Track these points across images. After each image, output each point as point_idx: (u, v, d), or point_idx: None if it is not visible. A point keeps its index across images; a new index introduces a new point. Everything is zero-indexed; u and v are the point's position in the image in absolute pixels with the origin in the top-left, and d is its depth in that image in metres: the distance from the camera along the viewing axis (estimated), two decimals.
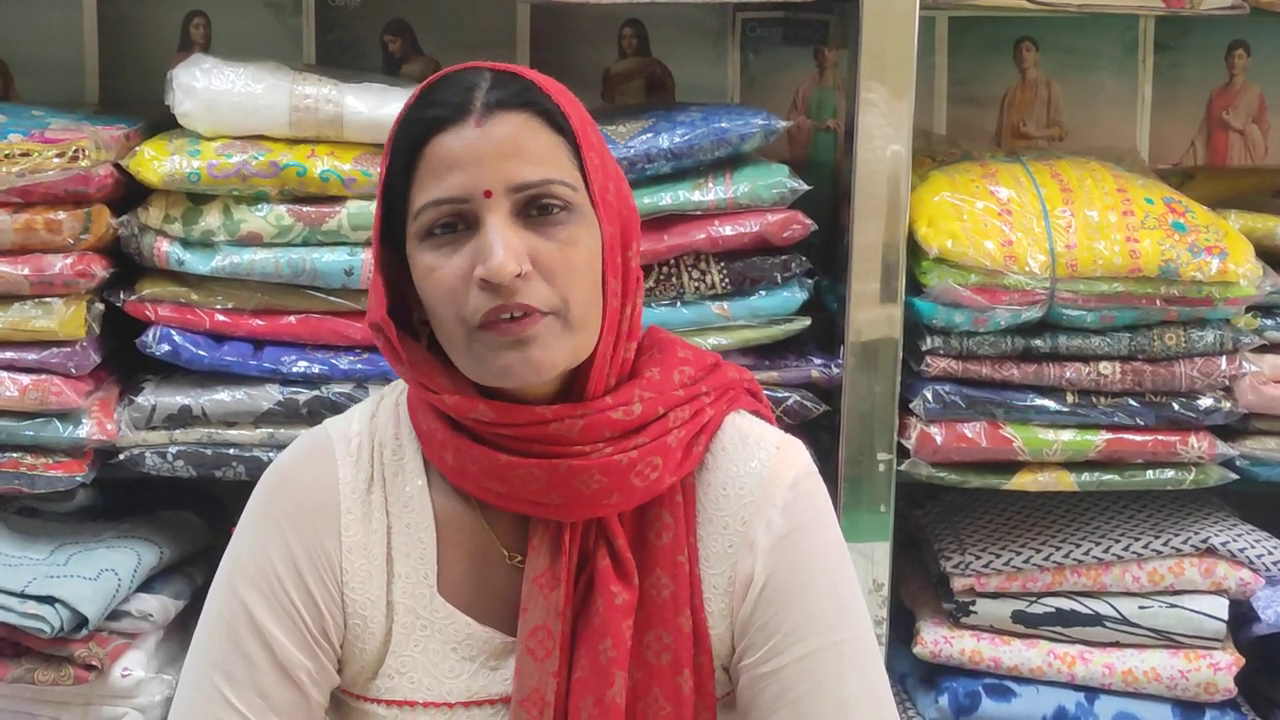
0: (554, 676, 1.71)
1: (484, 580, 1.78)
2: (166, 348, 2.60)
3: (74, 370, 2.56)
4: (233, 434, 2.62)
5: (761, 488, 1.76)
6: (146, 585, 2.65)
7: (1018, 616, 2.73)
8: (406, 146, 1.68)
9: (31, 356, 2.55)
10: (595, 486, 1.69)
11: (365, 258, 2.59)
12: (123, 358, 2.70)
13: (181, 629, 2.74)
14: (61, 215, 2.53)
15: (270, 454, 2.58)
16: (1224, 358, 2.64)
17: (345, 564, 1.77)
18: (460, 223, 1.65)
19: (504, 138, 1.64)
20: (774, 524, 1.75)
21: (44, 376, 2.55)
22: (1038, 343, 2.63)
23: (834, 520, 1.80)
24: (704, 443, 1.77)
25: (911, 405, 2.65)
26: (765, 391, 2.55)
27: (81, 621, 2.52)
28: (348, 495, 1.78)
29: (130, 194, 2.61)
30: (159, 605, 2.64)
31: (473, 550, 1.78)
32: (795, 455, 1.80)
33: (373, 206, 2.52)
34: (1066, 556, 2.72)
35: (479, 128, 1.64)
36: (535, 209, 1.65)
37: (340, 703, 1.84)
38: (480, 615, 1.77)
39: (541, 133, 1.66)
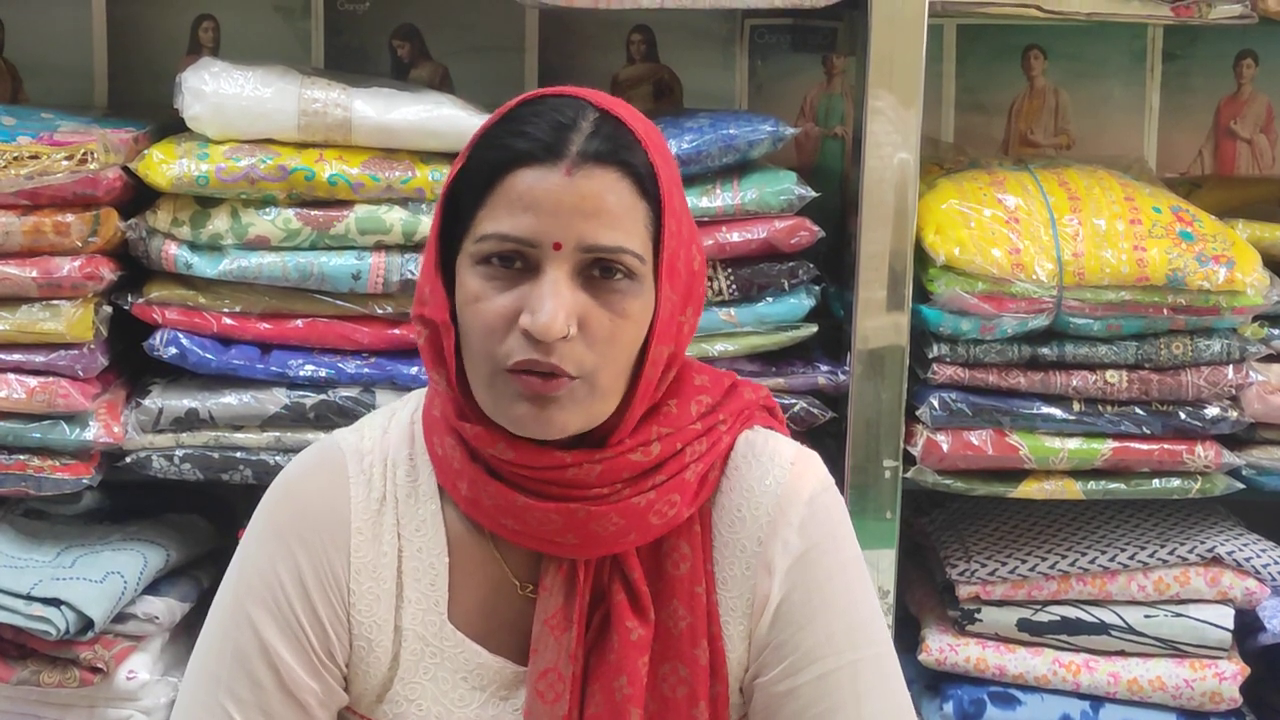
0: (564, 719, 1.69)
1: (495, 610, 1.75)
2: (174, 351, 2.60)
3: (81, 373, 2.56)
4: (240, 437, 2.62)
5: (777, 506, 1.73)
6: (153, 588, 2.65)
7: (1023, 624, 2.73)
8: (486, 167, 1.62)
9: (39, 359, 2.55)
10: (612, 529, 1.67)
11: (373, 261, 2.59)
12: (130, 360, 2.70)
13: (187, 632, 2.74)
14: (70, 218, 2.53)
15: (277, 457, 2.59)
16: (1231, 367, 2.64)
17: (353, 584, 1.73)
18: (520, 261, 1.60)
19: (589, 194, 1.58)
20: (790, 543, 1.72)
21: (51, 379, 2.56)
22: (1044, 351, 2.63)
23: (851, 534, 1.77)
24: (719, 468, 1.75)
25: (918, 412, 2.65)
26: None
27: (87, 624, 2.52)
28: (359, 514, 1.74)
29: (139, 197, 2.62)
30: (165, 608, 2.64)
31: (484, 579, 1.75)
32: (810, 470, 1.77)
33: (380, 211, 2.56)
34: (1072, 565, 2.72)
35: (568, 177, 1.58)
36: (599, 270, 1.60)
37: None
38: (491, 645, 1.75)
39: (627, 196, 1.60)
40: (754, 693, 1.74)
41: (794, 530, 1.73)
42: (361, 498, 1.74)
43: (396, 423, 1.80)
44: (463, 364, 1.66)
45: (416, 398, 1.82)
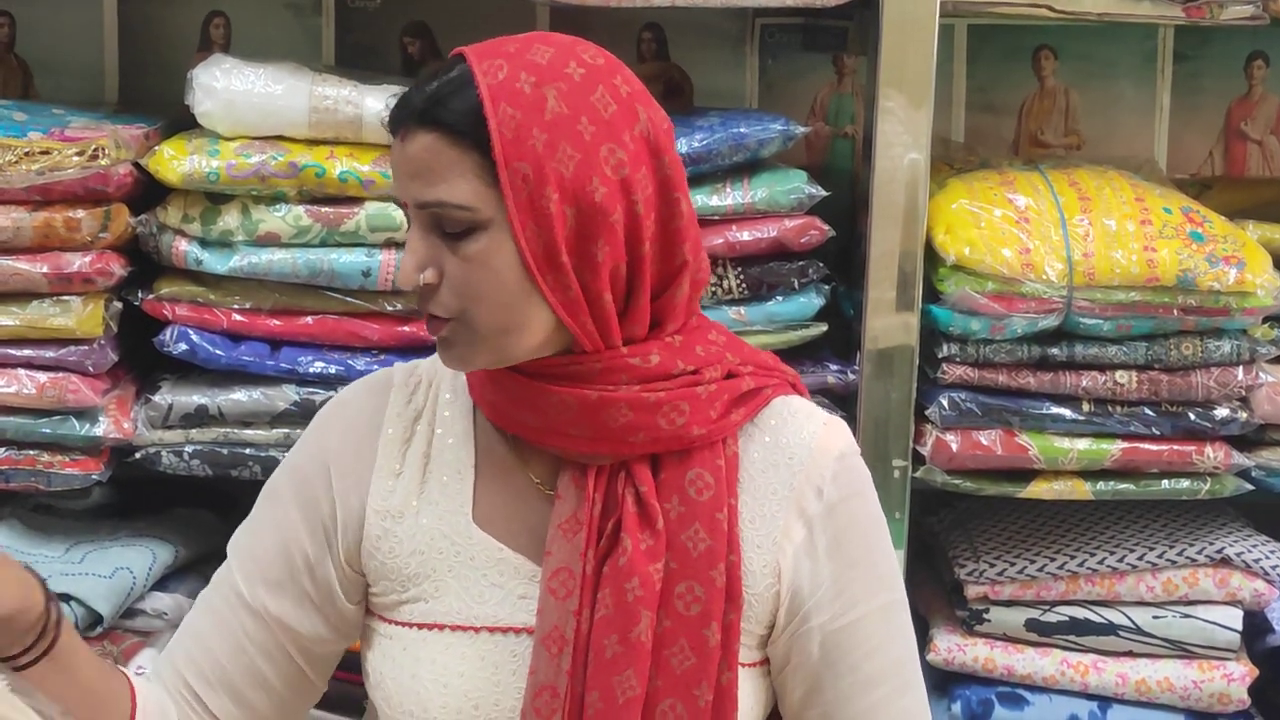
0: (574, 615, 1.74)
1: (517, 512, 1.83)
2: (184, 347, 2.60)
3: (91, 368, 2.56)
4: (249, 434, 2.63)
5: (811, 457, 1.81)
6: (161, 584, 2.66)
7: (1031, 625, 2.73)
8: None
9: (49, 354, 2.56)
10: (623, 420, 1.74)
11: (383, 259, 2.59)
12: (140, 356, 2.70)
13: None
14: (80, 214, 2.53)
15: (286, 454, 2.59)
16: (1240, 368, 2.64)
17: (374, 479, 1.85)
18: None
19: (412, 156, 1.70)
20: (825, 492, 1.80)
21: (61, 374, 2.56)
22: (1054, 351, 2.62)
23: (875, 495, 1.87)
24: (746, 412, 1.81)
25: (927, 412, 2.65)
26: None
27: (96, 619, 2.52)
28: (392, 419, 1.87)
29: (149, 193, 2.62)
30: (174, 604, 2.64)
31: (509, 484, 1.84)
32: (842, 431, 1.86)
33: (391, 208, 2.59)
34: (1081, 565, 2.72)
35: (402, 143, 1.72)
36: (440, 223, 1.71)
37: (370, 627, 1.89)
38: (513, 543, 1.82)
39: (445, 152, 1.68)
40: (778, 638, 1.82)
41: (827, 480, 1.81)
42: (399, 405, 1.88)
43: None
44: None
45: None
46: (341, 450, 1.87)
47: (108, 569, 2.58)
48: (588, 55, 1.75)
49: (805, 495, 1.80)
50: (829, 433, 1.84)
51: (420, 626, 1.83)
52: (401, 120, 1.71)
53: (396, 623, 1.85)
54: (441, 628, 1.82)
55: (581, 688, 1.74)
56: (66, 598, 2.51)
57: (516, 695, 1.77)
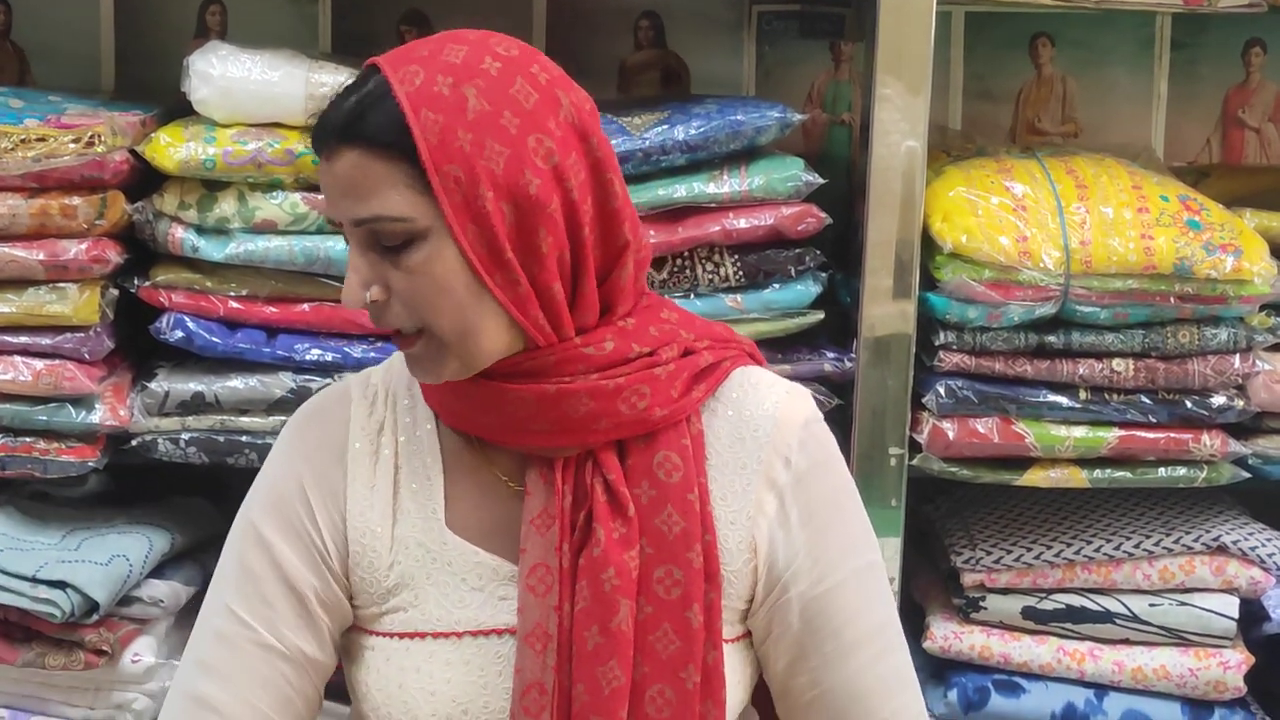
0: (555, 610, 1.74)
1: (489, 512, 1.83)
2: (180, 334, 2.60)
3: (87, 356, 2.56)
4: (245, 421, 2.62)
5: (776, 428, 1.81)
6: (158, 571, 2.65)
7: (1028, 613, 2.73)
8: None
9: (45, 341, 2.56)
10: (584, 410, 1.74)
11: None
12: (136, 344, 2.70)
13: (192, 615, 2.72)
14: (77, 200, 2.53)
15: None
16: (1237, 356, 2.64)
17: (349, 493, 1.83)
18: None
19: (339, 175, 1.68)
20: (793, 461, 1.80)
21: (57, 361, 2.56)
22: (1051, 339, 2.62)
23: (843, 460, 1.87)
24: (706, 388, 1.81)
25: (924, 400, 2.65)
26: None
27: (92, 607, 2.52)
28: (357, 432, 1.85)
29: (145, 180, 2.61)
30: (170, 591, 2.64)
31: (477, 484, 1.84)
32: (805, 399, 1.86)
33: None
34: (1077, 553, 2.72)
35: (328, 163, 1.70)
36: (379, 239, 1.69)
37: (350, 640, 1.88)
38: (488, 546, 1.81)
39: (371, 166, 1.67)
40: (757, 610, 1.82)
41: (794, 449, 1.81)
42: (362, 418, 1.86)
43: (398, 358, 1.88)
44: None
45: None
46: (314, 472, 1.85)
47: (104, 556, 2.58)
48: (501, 48, 1.73)
49: (774, 466, 1.81)
50: (791, 402, 1.84)
51: (402, 636, 1.82)
52: (325, 140, 1.69)
53: (379, 634, 1.84)
54: (424, 636, 1.81)
55: (568, 681, 1.74)
56: (63, 585, 2.51)
57: (505, 696, 1.77)
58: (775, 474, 1.81)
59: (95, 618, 2.53)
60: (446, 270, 1.68)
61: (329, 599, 1.84)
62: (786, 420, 1.82)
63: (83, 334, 2.56)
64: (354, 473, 1.84)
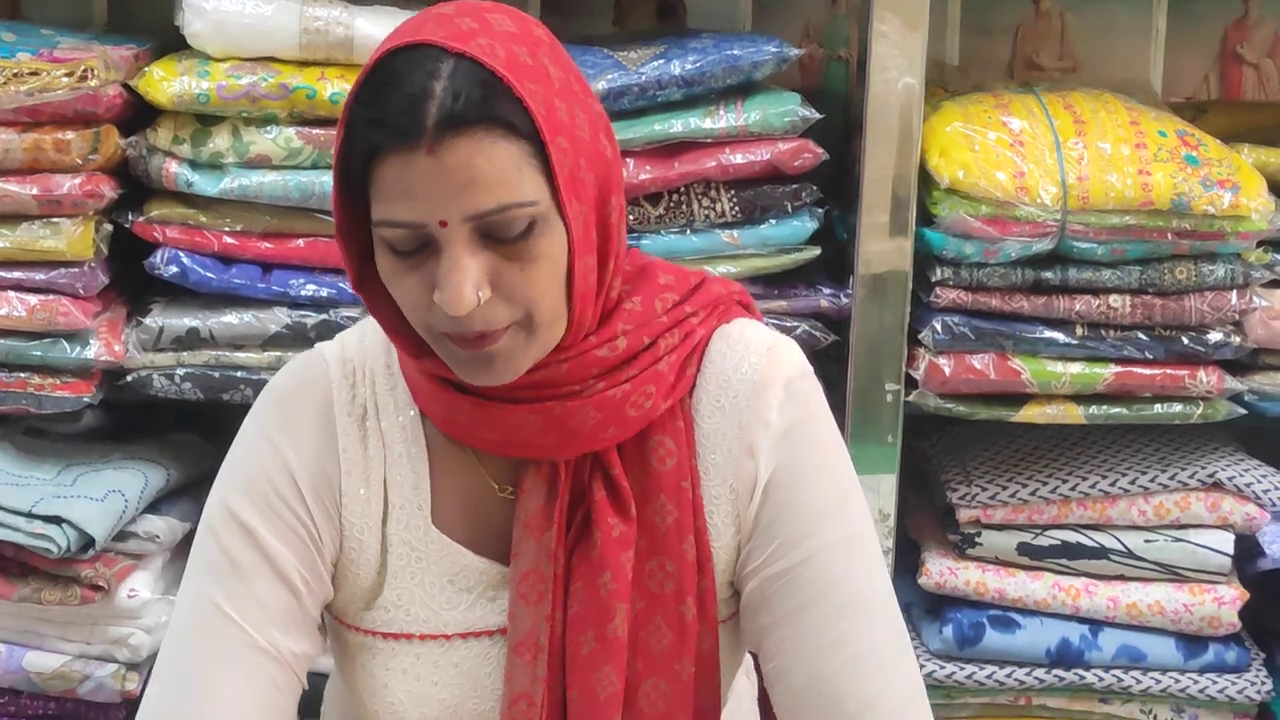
0: (547, 620, 1.67)
1: (478, 513, 1.74)
2: (174, 269, 2.59)
3: (82, 291, 2.56)
4: (240, 357, 2.62)
5: (755, 391, 1.71)
6: (153, 507, 2.66)
7: (1023, 549, 2.73)
8: (357, 156, 1.53)
9: (39, 276, 2.55)
10: (591, 423, 1.65)
11: None
12: (131, 279, 2.69)
13: (187, 551, 2.73)
14: (70, 135, 2.52)
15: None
16: (1234, 292, 2.64)
17: (345, 486, 1.72)
18: (419, 239, 1.54)
19: (456, 167, 1.49)
20: (771, 424, 1.70)
21: (52, 297, 2.55)
22: (1048, 275, 2.62)
23: (830, 419, 1.75)
24: (696, 363, 1.72)
25: (920, 336, 2.64)
26: (774, 321, 2.57)
27: (88, 542, 2.52)
28: (343, 419, 1.73)
29: (139, 114, 2.60)
30: (166, 527, 2.64)
31: (465, 484, 1.74)
32: (786, 356, 1.74)
33: None
34: (1073, 489, 2.72)
35: (431, 156, 1.49)
36: (496, 231, 1.52)
37: (335, 632, 1.81)
38: (476, 547, 1.74)
39: (499, 147, 1.50)
40: (745, 581, 1.73)
41: (773, 411, 1.70)
42: (345, 403, 1.73)
43: (372, 332, 1.77)
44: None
45: None
46: (303, 462, 1.71)
47: (100, 492, 2.58)
48: (515, 15, 1.60)
49: (754, 432, 1.70)
50: (772, 361, 1.73)
51: (387, 636, 1.75)
52: (422, 133, 1.49)
53: (363, 631, 1.76)
54: (410, 638, 1.74)
55: (561, 689, 1.68)
56: (59, 521, 2.52)
57: (494, 698, 1.72)
58: (756, 440, 1.70)
59: (91, 553, 2.54)
60: (559, 252, 1.55)
61: (320, 592, 1.73)
62: (765, 383, 1.71)
63: (77, 269, 2.55)
64: (347, 465, 1.72)
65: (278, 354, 2.61)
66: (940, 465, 2.86)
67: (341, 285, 2.61)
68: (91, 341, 2.58)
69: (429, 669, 1.74)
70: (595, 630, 1.67)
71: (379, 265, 1.59)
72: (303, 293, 2.61)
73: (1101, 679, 2.75)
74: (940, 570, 2.75)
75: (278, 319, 2.61)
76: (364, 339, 1.77)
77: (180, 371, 2.61)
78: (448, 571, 1.73)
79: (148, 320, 2.61)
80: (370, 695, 1.76)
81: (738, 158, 2.60)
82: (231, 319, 2.61)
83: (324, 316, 2.61)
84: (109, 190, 2.55)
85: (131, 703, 2.68)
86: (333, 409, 1.73)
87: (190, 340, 2.60)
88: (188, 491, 2.74)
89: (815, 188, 2.64)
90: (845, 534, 1.70)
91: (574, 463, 1.69)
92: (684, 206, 2.62)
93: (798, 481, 1.71)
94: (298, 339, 2.60)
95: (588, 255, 1.59)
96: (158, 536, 2.62)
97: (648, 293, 1.70)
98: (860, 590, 1.69)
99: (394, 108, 1.49)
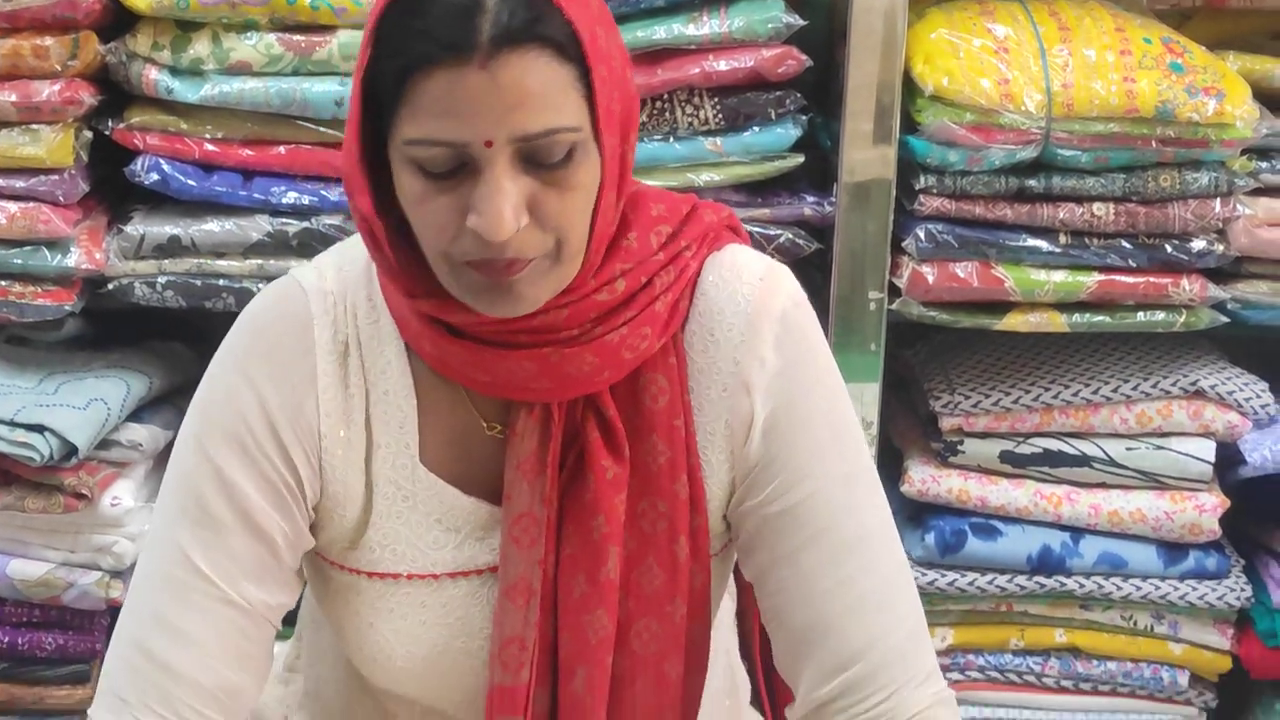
0: (540, 565, 1.65)
1: (466, 452, 1.70)
2: (155, 177, 2.58)
3: (62, 198, 2.55)
4: (222, 264, 2.61)
5: (749, 325, 1.66)
6: (136, 415, 2.66)
7: (1005, 457, 2.74)
8: (393, 69, 1.46)
9: (19, 184, 2.54)
10: (587, 368, 1.61)
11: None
12: (113, 187, 2.68)
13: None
14: (48, 41, 2.50)
15: (260, 285, 2.58)
16: (1218, 200, 2.63)
17: (324, 428, 1.66)
18: (455, 159, 1.49)
19: (509, 84, 1.43)
20: (767, 360, 1.66)
21: (32, 204, 2.54)
22: (1032, 183, 2.61)
23: (826, 350, 1.72)
24: (688, 296, 1.68)
25: (904, 244, 2.64)
26: (756, 229, 2.56)
27: (71, 450, 2.52)
28: (324, 357, 1.66)
29: (119, 20, 2.58)
30: (148, 435, 2.64)
31: (453, 422, 1.70)
32: (781, 285, 1.70)
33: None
34: (1055, 398, 2.72)
35: (483, 70, 1.43)
36: (539, 154, 1.48)
37: (317, 567, 1.76)
38: (464, 487, 1.70)
39: (549, 69, 1.45)
40: (743, 519, 1.70)
41: (769, 347, 1.67)
42: (327, 339, 1.66)
43: (350, 262, 1.70)
44: (412, 240, 1.58)
45: None
46: (281, 402, 1.64)
47: (82, 400, 2.58)
48: None
49: (749, 370, 1.67)
50: (766, 291, 1.68)
51: (373, 575, 1.70)
52: (475, 47, 1.43)
53: (348, 569, 1.71)
54: (397, 577, 1.69)
55: (552, 631, 1.66)
56: (41, 429, 2.52)
57: (483, 635, 1.69)
58: (750, 375, 1.66)
59: (74, 461, 2.54)
60: (591, 184, 1.53)
61: (297, 540, 1.67)
62: (760, 314, 1.66)
63: (57, 176, 2.54)
64: (326, 403, 1.65)
65: (259, 262, 2.61)
66: (923, 373, 2.86)
67: (323, 193, 2.60)
68: (72, 249, 2.58)
69: (416, 609, 1.70)
70: (587, 574, 1.65)
71: (401, 188, 1.52)
72: (284, 200, 2.60)
73: (1082, 586, 2.76)
74: (923, 478, 2.75)
75: (259, 227, 2.60)
76: (342, 269, 1.70)
77: (162, 279, 2.60)
78: (435, 511, 1.69)
79: (129, 228, 2.60)
80: (355, 634, 1.72)
81: (721, 65, 2.59)
82: (213, 227, 2.60)
83: (305, 224, 2.60)
84: (88, 97, 2.54)
85: (116, 610, 2.68)
86: (314, 348, 1.66)
87: (172, 248, 2.59)
88: (170, 399, 2.74)
89: (799, 95, 2.63)
90: (845, 471, 1.67)
91: (566, 405, 1.65)
92: (667, 114, 2.60)
93: (796, 421, 1.67)
94: (279, 247, 2.60)
95: (611, 190, 1.56)
96: (140, 445, 2.63)
97: (642, 227, 1.65)
98: (861, 528, 1.66)
99: (444, 18, 1.43)
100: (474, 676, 1.71)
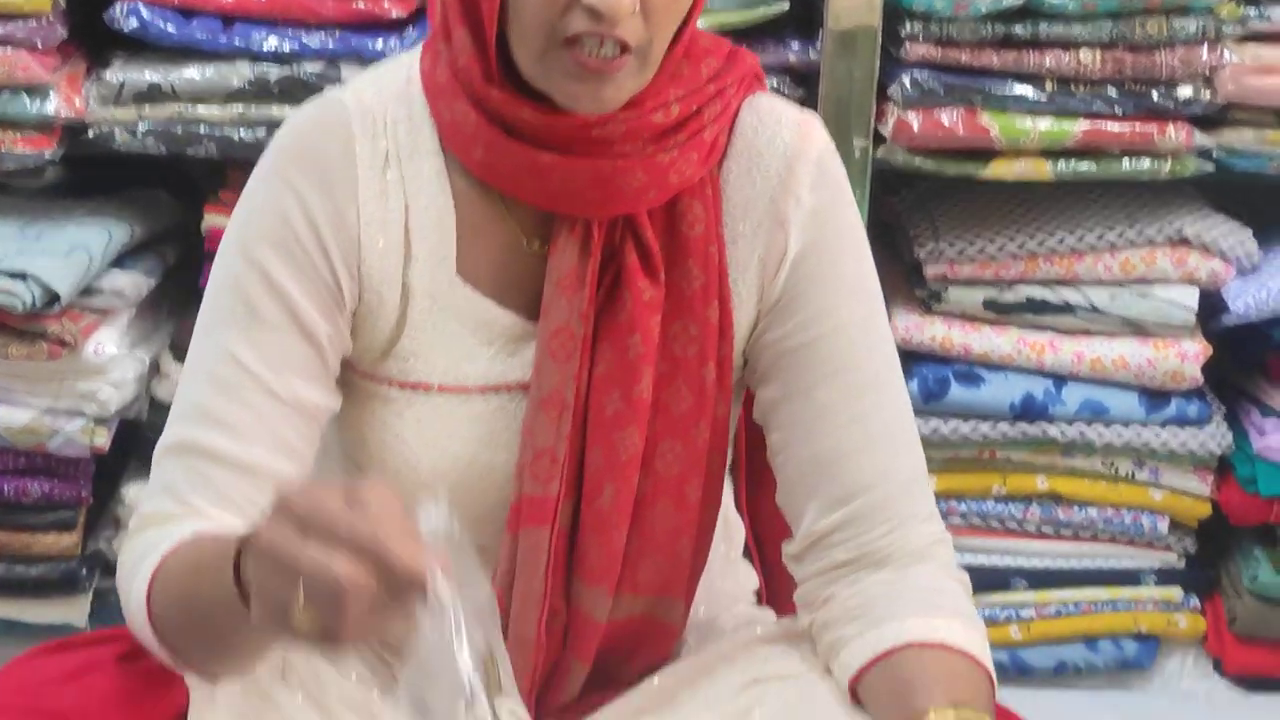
0: (574, 378, 1.67)
1: (503, 265, 1.72)
2: (134, 22, 2.56)
3: (40, 44, 2.53)
4: (203, 111, 2.60)
5: (787, 165, 1.70)
6: (118, 262, 2.66)
7: (989, 304, 2.75)
8: None
9: None
10: (636, 185, 1.64)
11: None
12: (92, 33, 2.66)
13: (153, 307, 2.75)
14: None
15: (241, 131, 2.57)
16: (1205, 47, 2.62)
17: (364, 237, 1.67)
18: None
19: None
20: (803, 199, 1.69)
21: (9, 50, 2.52)
22: (1018, 29, 2.60)
23: (853, 199, 1.76)
24: (727, 133, 1.71)
25: (889, 91, 2.63)
26: None
27: (53, 297, 2.52)
28: (365, 169, 1.68)
29: None
30: (131, 282, 2.64)
31: (492, 235, 1.71)
32: (816, 131, 1.74)
33: None
34: (1040, 245, 2.73)
35: None
36: None
37: (344, 381, 1.75)
38: (500, 299, 1.71)
39: None
40: (761, 352, 1.74)
41: (805, 187, 1.70)
42: (367, 153, 1.68)
43: (390, 82, 1.73)
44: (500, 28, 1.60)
45: (407, 61, 1.75)
46: (325, 211, 1.66)
47: (64, 247, 2.58)
48: None
49: (785, 207, 1.69)
50: (803, 135, 1.72)
51: (404, 385, 1.71)
52: None
53: (378, 379, 1.73)
54: (429, 388, 1.71)
55: (580, 447, 1.68)
56: (23, 276, 2.51)
57: (509, 450, 1.70)
58: (786, 212, 1.70)
59: (57, 308, 2.54)
60: None
61: (339, 344, 1.69)
62: (798, 156, 1.70)
63: (34, 22, 2.52)
64: (366, 214, 1.67)
65: (240, 108, 2.59)
66: (908, 221, 2.86)
67: (304, 40, 2.58)
68: (51, 95, 2.56)
69: (445, 420, 1.72)
70: (621, 391, 1.67)
71: None
72: (265, 46, 2.58)
73: (1064, 433, 2.78)
74: (906, 325, 2.76)
75: (240, 73, 2.58)
76: (380, 83, 1.73)
77: (142, 126, 2.59)
78: (469, 323, 1.71)
79: (108, 75, 2.58)
80: (380, 445, 1.73)
81: None
82: (193, 73, 2.58)
83: (286, 71, 2.58)
84: None
85: (100, 458, 2.70)
86: (355, 160, 1.68)
87: (152, 94, 2.58)
88: (152, 247, 2.74)
89: None
90: (864, 313, 1.71)
91: (606, 224, 1.68)
92: None
93: (825, 260, 1.70)
94: (260, 93, 2.58)
95: (699, 9, 1.60)
96: (123, 292, 2.63)
97: (694, 57, 1.68)
98: (876, 370, 1.71)
99: None
100: (497, 491, 1.72)
